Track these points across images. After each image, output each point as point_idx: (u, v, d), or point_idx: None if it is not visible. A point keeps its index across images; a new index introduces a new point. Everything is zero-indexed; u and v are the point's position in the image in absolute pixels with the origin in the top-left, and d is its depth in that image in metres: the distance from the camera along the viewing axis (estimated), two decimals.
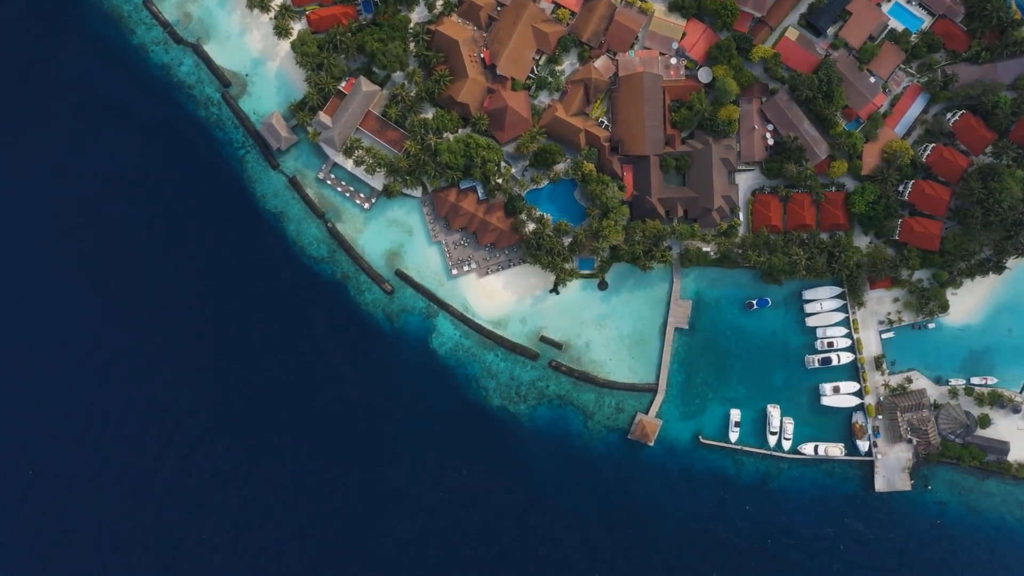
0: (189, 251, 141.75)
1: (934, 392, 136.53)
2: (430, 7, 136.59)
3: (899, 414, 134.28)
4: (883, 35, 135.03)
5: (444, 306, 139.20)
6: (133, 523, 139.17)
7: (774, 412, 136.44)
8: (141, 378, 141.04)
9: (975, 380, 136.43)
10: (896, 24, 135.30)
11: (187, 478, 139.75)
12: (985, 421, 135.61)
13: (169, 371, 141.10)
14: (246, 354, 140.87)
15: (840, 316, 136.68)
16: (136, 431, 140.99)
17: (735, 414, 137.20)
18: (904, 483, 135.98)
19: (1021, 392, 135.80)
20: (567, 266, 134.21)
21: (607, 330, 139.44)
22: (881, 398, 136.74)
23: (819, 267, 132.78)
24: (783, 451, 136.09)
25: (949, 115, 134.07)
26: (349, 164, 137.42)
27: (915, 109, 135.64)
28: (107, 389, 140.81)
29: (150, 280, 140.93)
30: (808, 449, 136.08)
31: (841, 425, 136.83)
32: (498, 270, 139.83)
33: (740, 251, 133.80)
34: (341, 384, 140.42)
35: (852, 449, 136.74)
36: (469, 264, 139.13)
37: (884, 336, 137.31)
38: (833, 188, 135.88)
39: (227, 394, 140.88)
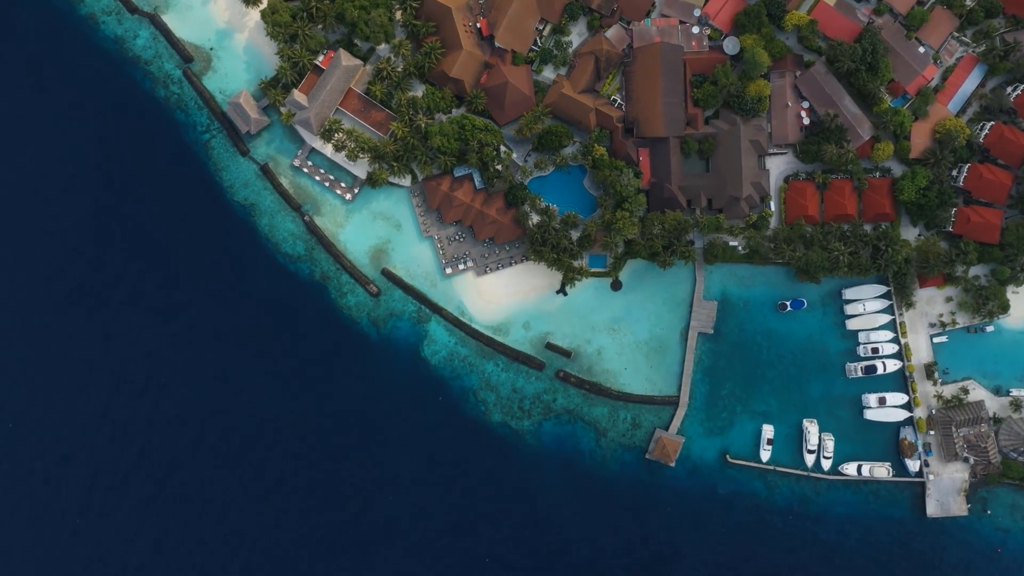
0: (146, 249, 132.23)
1: (993, 404, 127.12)
2: None
3: (954, 429, 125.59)
4: None
5: (437, 310, 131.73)
6: (100, 545, 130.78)
7: (811, 428, 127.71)
8: (83, 393, 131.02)
9: None
10: None
11: (136, 505, 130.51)
12: None
13: (118, 384, 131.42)
14: (210, 366, 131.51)
15: (886, 318, 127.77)
16: (84, 454, 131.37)
17: (767, 430, 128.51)
18: (960, 507, 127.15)
19: None
20: (576, 263, 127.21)
21: (621, 336, 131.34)
22: (933, 411, 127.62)
23: (863, 263, 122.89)
24: (822, 471, 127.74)
25: (1010, 89, 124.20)
26: (328, 149, 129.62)
27: (971, 83, 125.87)
28: (43, 403, 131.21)
29: (100, 282, 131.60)
30: (850, 469, 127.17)
31: (888, 442, 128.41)
32: (498, 268, 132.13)
33: (772, 245, 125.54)
34: (320, 399, 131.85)
35: (900, 469, 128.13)
36: (465, 262, 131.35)
37: (936, 341, 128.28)
38: (877, 173, 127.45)
39: (185, 412, 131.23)
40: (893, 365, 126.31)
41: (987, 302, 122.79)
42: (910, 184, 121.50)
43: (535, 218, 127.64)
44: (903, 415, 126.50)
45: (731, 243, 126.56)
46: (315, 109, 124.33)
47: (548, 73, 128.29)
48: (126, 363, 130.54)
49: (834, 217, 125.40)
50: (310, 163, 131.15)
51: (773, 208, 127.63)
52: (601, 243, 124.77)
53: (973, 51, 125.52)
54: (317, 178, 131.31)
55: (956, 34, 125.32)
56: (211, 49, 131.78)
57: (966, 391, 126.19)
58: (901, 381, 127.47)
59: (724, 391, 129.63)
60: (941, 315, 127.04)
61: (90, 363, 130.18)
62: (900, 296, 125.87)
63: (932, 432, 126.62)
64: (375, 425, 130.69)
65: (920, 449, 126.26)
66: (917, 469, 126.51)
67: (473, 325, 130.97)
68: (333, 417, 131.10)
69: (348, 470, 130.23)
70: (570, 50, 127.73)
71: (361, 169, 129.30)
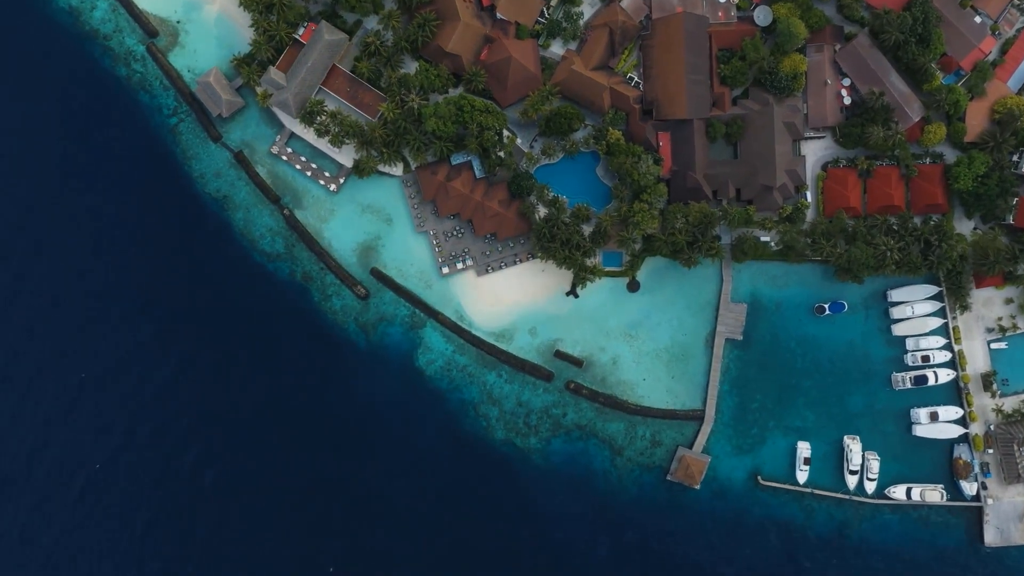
0: (105, 248, 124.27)
1: None
2: None
3: (1016, 447, 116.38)
4: None
5: (433, 314, 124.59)
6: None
7: (853, 445, 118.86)
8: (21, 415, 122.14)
9: None
10: None
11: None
12: None
13: (70, 401, 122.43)
14: (177, 377, 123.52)
15: (937, 322, 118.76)
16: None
17: (803, 448, 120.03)
18: (1022, 536, 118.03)
19: None
20: (588, 262, 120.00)
21: (639, 343, 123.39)
22: (992, 427, 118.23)
23: (913, 260, 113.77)
24: (865, 495, 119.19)
25: None
26: (310, 135, 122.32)
27: None
28: None
29: (48, 284, 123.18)
30: (898, 492, 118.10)
31: (940, 462, 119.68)
32: (500, 268, 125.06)
33: (809, 240, 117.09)
34: (302, 414, 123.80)
35: (955, 492, 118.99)
36: (464, 260, 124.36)
37: (994, 347, 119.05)
38: (928, 159, 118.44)
39: (143, 433, 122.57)
40: (946, 375, 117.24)
41: None
42: (966, 171, 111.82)
43: (542, 211, 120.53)
44: (957, 431, 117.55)
45: (763, 238, 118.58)
46: (295, 89, 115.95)
47: (556, 48, 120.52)
48: (76, 374, 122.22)
49: (879, 209, 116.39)
50: (290, 150, 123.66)
51: (810, 199, 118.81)
52: (617, 239, 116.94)
53: None
54: (298, 167, 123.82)
55: (1017, 2, 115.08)
56: (178, 22, 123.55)
57: None
58: (955, 393, 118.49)
59: (755, 404, 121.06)
60: (1000, 319, 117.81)
61: (33, 373, 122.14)
62: (954, 297, 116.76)
63: (991, 450, 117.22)
64: (363, 443, 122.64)
65: (977, 470, 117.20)
66: (974, 492, 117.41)
67: (473, 331, 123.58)
68: (316, 434, 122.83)
69: (334, 494, 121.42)
70: (581, 22, 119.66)
71: (347, 156, 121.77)
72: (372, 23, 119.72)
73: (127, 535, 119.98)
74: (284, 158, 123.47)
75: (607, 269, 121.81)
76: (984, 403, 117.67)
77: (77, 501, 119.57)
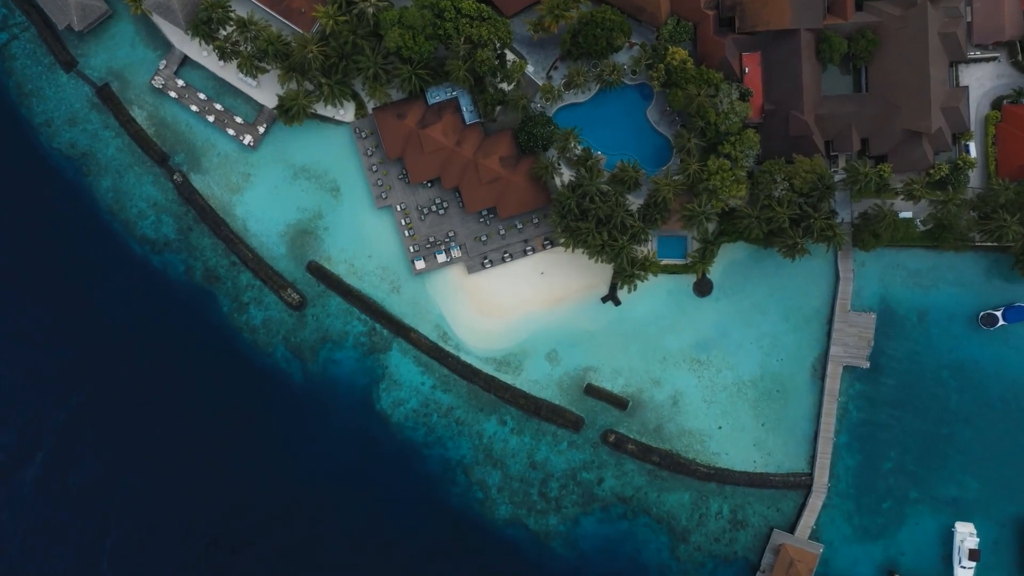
0: None
1: None
2: None
3: None
4: None
5: (402, 331, 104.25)
6: None
7: None
8: None
9: None
10: None
11: None
12: None
13: None
14: (27, 432, 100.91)
15: None
16: None
17: (964, 532, 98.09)
18: None
19: None
20: (637, 252, 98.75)
21: (712, 372, 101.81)
22: None
23: None
24: None
25: None
26: (211, 60, 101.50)
27: None
28: None
29: None
30: None
31: None
32: (503, 261, 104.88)
33: (976, 216, 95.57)
34: (210, 484, 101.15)
35: None
36: (448, 249, 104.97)
37: None
38: None
39: None
40: None
41: None
42: None
43: (566, 174, 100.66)
44: None
45: (903, 214, 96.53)
46: None
47: None
48: None
49: None
50: (181, 83, 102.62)
51: (974, 153, 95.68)
52: (681, 215, 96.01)
53: None
54: (194, 108, 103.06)
55: None
56: None
57: None
58: None
59: (887, 465, 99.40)
60: None
61: None
62: None
63: None
64: (300, 527, 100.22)
65: None
66: None
67: (462, 356, 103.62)
68: (232, 516, 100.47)
69: None
70: None
71: (268, 92, 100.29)
72: None
73: None
74: (173, 95, 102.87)
75: (664, 262, 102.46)
76: None
77: None
